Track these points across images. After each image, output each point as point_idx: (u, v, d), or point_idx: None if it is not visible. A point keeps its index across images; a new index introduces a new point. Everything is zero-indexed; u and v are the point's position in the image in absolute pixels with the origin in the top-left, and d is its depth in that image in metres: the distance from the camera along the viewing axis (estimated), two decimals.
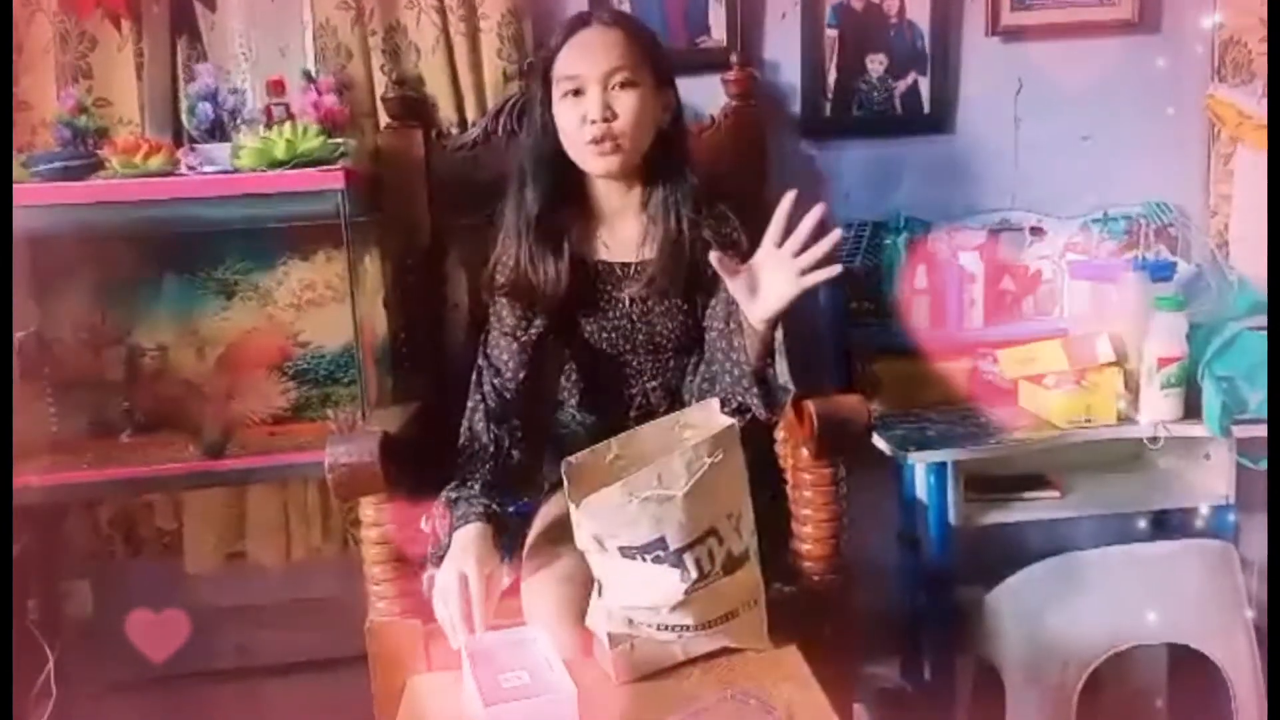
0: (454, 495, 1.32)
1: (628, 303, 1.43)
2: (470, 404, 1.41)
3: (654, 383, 1.46)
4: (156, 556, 1.88)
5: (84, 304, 1.71)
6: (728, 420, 1.20)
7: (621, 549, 1.16)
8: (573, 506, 1.14)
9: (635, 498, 1.12)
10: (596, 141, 1.34)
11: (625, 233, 1.44)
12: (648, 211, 1.42)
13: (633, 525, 1.14)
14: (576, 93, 1.34)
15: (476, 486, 1.32)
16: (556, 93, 1.37)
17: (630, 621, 1.19)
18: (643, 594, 1.17)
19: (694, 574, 1.16)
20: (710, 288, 1.39)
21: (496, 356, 1.42)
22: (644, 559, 1.15)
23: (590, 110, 1.33)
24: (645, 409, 1.45)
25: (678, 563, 1.15)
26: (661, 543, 1.14)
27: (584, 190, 1.44)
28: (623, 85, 1.33)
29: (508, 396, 1.40)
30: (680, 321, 1.43)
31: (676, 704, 1.14)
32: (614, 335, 1.44)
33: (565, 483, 1.14)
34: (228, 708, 1.91)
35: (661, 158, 1.41)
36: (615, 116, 1.34)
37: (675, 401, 1.47)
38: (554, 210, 1.41)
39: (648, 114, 1.36)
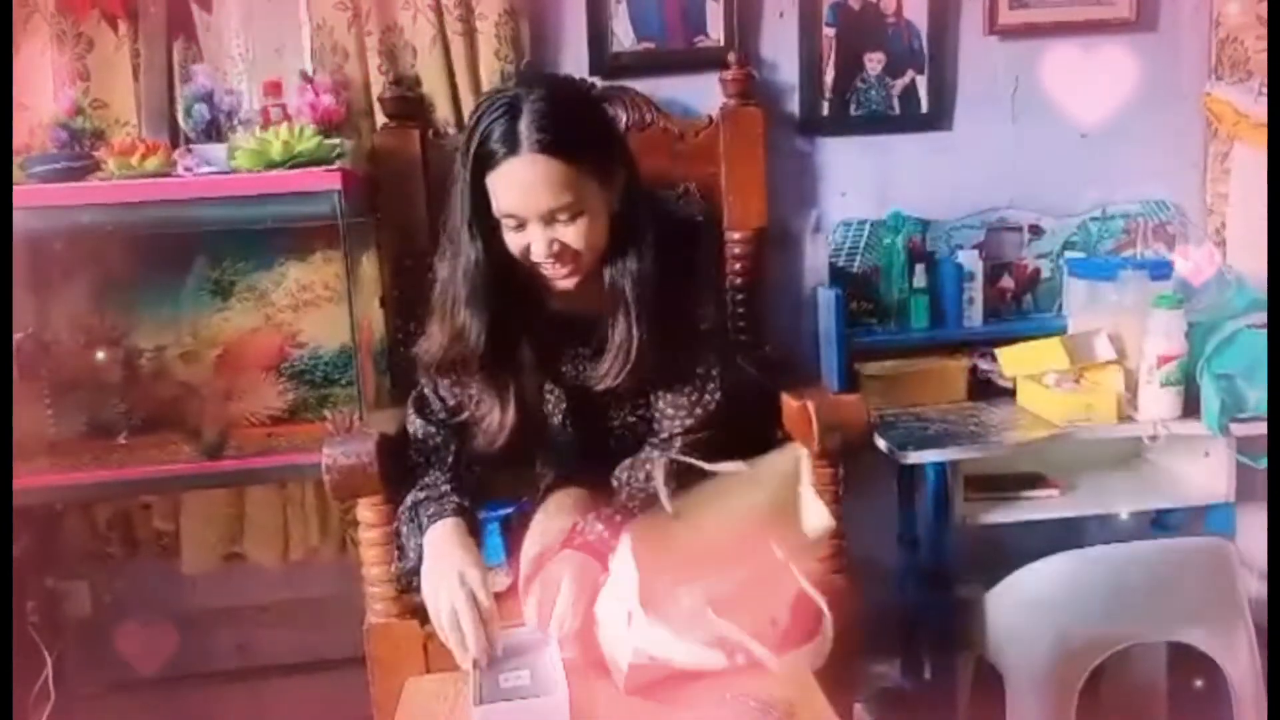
0: (421, 496, 1.29)
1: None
2: (415, 436, 1.37)
3: (633, 418, 1.42)
4: (154, 557, 1.88)
5: (81, 305, 1.70)
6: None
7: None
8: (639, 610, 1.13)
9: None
10: (548, 267, 1.26)
11: (584, 294, 1.33)
12: (606, 294, 1.31)
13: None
14: (519, 226, 1.24)
15: (445, 486, 1.29)
16: (496, 214, 1.25)
17: (653, 657, 1.17)
18: (684, 656, 1.17)
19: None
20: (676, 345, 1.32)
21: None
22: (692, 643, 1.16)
23: (535, 246, 1.23)
24: (626, 432, 1.42)
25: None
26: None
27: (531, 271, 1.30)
28: (568, 220, 1.22)
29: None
30: (650, 373, 1.35)
31: (677, 707, 1.14)
32: (584, 383, 1.38)
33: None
34: (226, 708, 1.91)
35: (615, 239, 1.28)
36: (565, 248, 1.24)
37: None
38: (503, 324, 1.30)
39: (599, 227, 1.26)
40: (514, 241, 1.26)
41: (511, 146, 1.20)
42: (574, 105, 1.28)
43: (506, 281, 1.29)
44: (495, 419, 1.32)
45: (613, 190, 1.28)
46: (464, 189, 1.25)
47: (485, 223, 1.26)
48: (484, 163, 1.22)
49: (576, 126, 1.23)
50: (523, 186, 1.21)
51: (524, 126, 1.19)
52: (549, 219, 1.23)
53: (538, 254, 1.24)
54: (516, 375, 1.33)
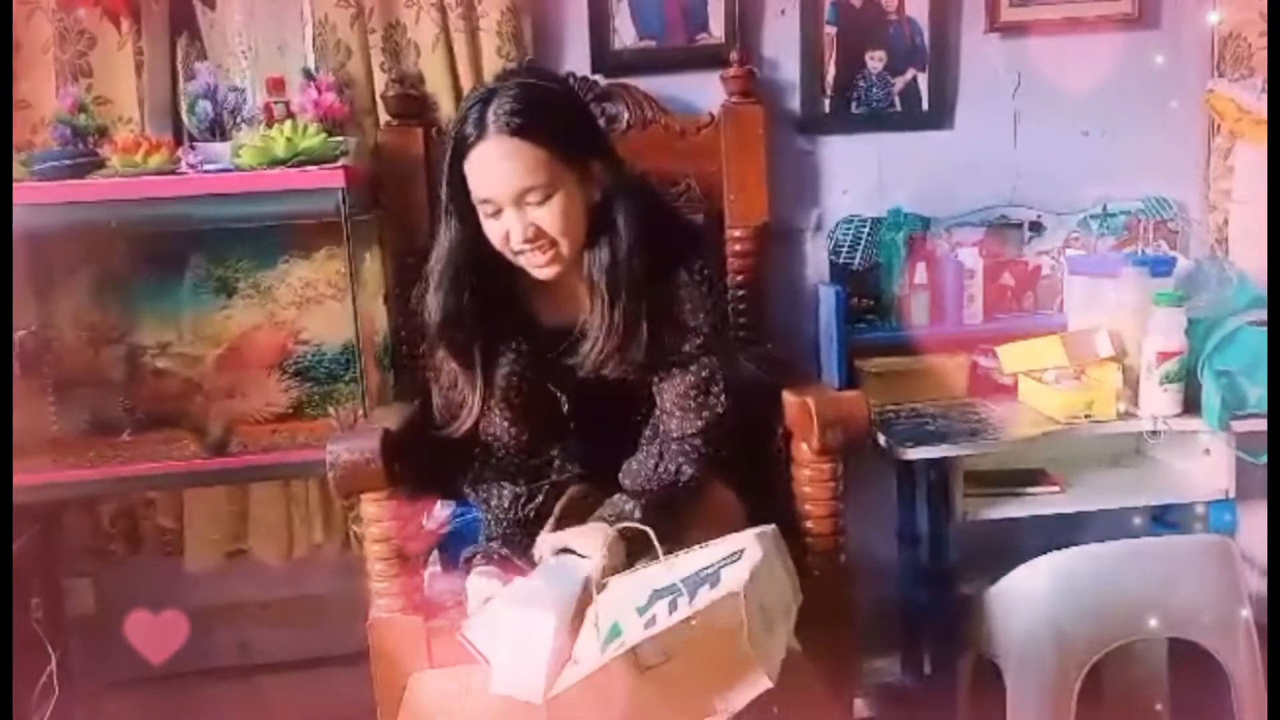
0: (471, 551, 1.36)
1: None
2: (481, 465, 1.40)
3: (639, 416, 1.42)
4: (158, 554, 1.89)
5: (84, 302, 1.71)
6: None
7: None
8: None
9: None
10: (527, 254, 1.28)
11: (574, 295, 1.37)
12: (585, 284, 1.33)
13: None
14: (495, 213, 1.27)
15: (487, 535, 1.36)
16: (474, 202, 1.28)
17: None
18: None
19: None
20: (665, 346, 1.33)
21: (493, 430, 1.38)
22: None
23: (512, 233, 1.26)
24: (639, 434, 1.42)
25: None
26: None
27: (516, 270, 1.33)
28: (539, 202, 1.25)
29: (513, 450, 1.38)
30: (641, 365, 1.35)
31: None
32: (590, 380, 1.37)
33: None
34: (229, 705, 1.92)
35: (595, 230, 1.30)
36: (541, 233, 1.26)
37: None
38: (475, 305, 1.32)
39: (574, 213, 1.28)
40: (493, 230, 1.28)
41: (481, 130, 1.24)
42: (545, 94, 1.30)
43: (481, 267, 1.32)
44: (467, 398, 1.34)
45: (591, 181, 1.30)
46: (442, 179, 1.30)
47: (463, 211, 1.29)
48: (460, 150, 1.26)
49: (545, 112, 1.26)
50: (492, 167, 1.24)
51: (493, 111, 1.24)
52: (520, 201, 1.25)
53: (515, 239, 1.26)
54: (486, 354, 1.34)
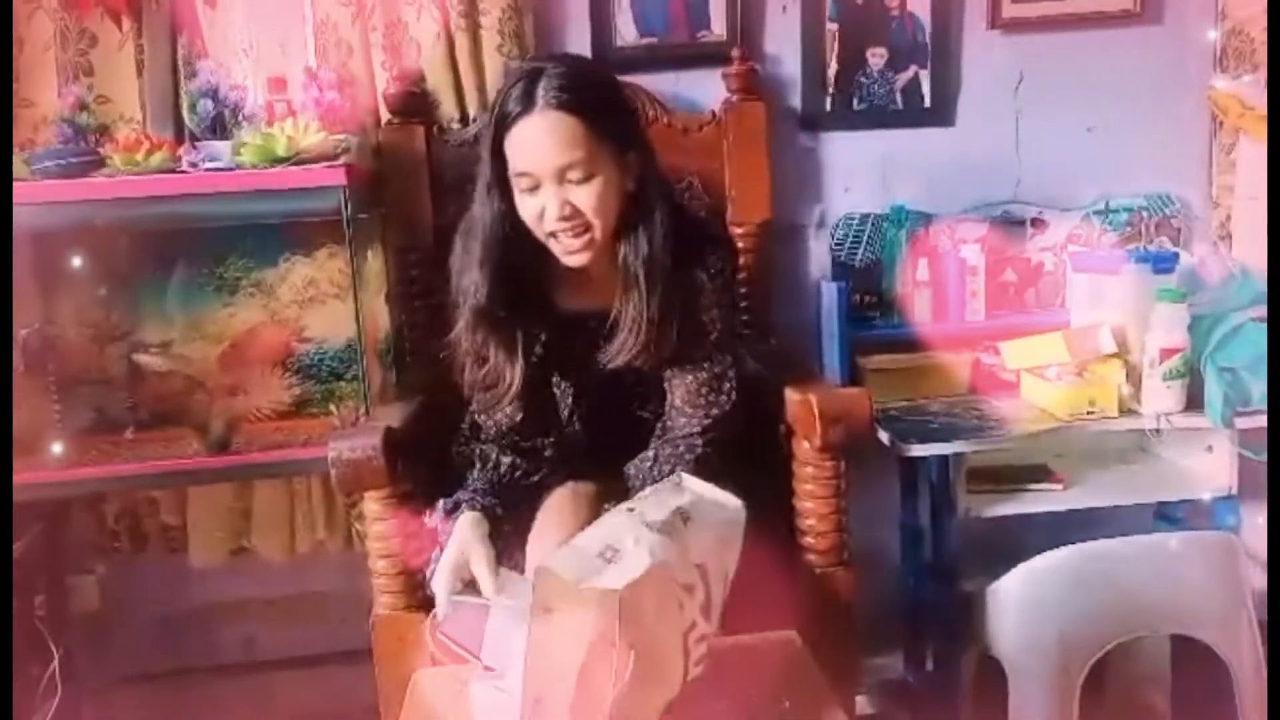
0: (464, 496, 1.30)
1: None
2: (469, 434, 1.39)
3: (645, 413, 1.41)
4: (162, 552, 1.89)
5: (87, 300, 1.71)
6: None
7: None
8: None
9: None
10: (559, 235, 1.28)
11: (596, 285, 1.36)
12: (617, 272, 1.33)
13: None
14: (532, 188, 1.26)
15: (481, 487, 1.31)
16: (511, 178, 1.28)
17: None
18: None
19: None
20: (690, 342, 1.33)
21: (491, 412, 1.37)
22: None
23: (549, 209, 1.26)
24: (641, 429, 1.41)
25: None
26: None
27: (547, 254, 1.33)
28: (580, 180, 1.25)
29: (507, 429, 1.37)
30: (662, 360, 1.36)
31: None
32: (601, 370, 1.37)
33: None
34: (233, 702, 1.92)
35: (628, 220, 1.31)
36: (577, 211, 1.26)
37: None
38: (513, 281, 1.33)
39: (611, 197, 1.28)
40: (528, 207, 1.28)
41: (527, 105, 1.24)
42: (593, 75, 1.33)
43: (519, 246, 1.31)
44: (505, 374, 1.33)
45: (627, 169, 1.30)
46: (485, 155, 1.29)
47: (504, 189, 1.29)
48: (503, 125, 1.26)
49: (593, 92, 1.28)
50: (537, 141, 1.24)
51: (541, 87, 1.24)
52: (561, 177, 1.25)
53: (550, 216, 1.26)
54: (526, 332, 1.34)
